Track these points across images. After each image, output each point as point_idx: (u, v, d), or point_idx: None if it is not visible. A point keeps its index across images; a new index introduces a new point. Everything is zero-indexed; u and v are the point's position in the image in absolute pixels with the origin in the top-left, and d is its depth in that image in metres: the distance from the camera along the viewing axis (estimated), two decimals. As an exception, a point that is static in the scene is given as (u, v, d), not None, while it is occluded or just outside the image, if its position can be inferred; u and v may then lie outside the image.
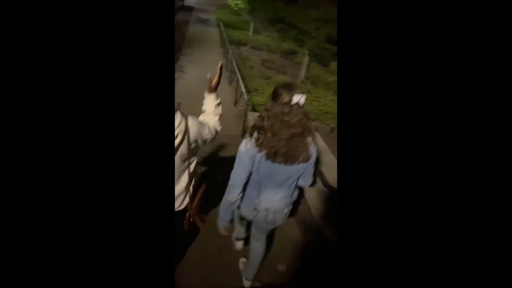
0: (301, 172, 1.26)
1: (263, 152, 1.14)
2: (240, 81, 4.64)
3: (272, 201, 1.29)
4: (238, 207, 1.35)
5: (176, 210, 1.26)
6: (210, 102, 1.31)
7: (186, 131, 1.12)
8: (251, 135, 1.18)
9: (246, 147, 1.17)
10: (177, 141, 1.09)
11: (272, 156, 1.14)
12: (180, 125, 1.09)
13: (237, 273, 1.69)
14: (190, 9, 13.41)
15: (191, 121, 1.15)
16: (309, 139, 1.18)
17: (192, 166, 1.25)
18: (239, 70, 5.13)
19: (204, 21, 11.60)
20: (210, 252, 1.74)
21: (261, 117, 1.16)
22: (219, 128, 1.32)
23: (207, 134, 1.24)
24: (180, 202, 1.27)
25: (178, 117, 1.08)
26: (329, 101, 5.33)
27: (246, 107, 3.85)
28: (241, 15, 12.31)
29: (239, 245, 1.79)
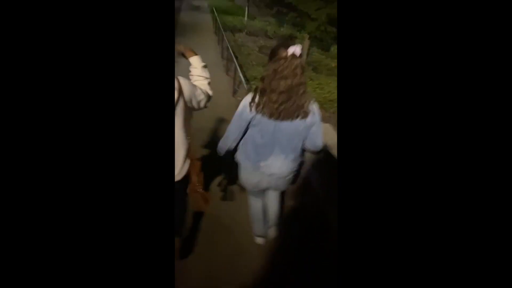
0: (305, 133, 1.23)
1: (263, 112, 1.15)
2: (238, 70, 4.33)
3: (278, 166, 1.28)
4: (243, 181, 1.40)
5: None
6: (195, 65, 1.26)
7: (180, 90, 1.08)
8: (253, 99, 1.18)
9: (244, 107, 1.19)
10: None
11: (271, 112, 1.14)
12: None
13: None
14: (181, -5, 12.79)
15: (182, 80, 1.11)
16: (307, 93, 1.17)
17: (188, 132, 1.20)
18: (236, 58, 4.78)
19: (195, 8, 11.07)
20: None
21: (261, 79, 1.17)
22: (210, 92, 1.26)
23: (200, 95, 1.19)
24: (179, 170, 1.20)
25: None
26: (333, 88, 5.03)
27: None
28: (234, 0, 11.74)
29: (259, 240, 1.72)
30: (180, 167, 1.18)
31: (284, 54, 1.11)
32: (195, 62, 1.27)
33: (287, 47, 1.12)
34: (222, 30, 6.63)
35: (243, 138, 1.28)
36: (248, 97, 1.20)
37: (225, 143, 1.31)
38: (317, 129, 1.23)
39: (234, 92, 4.68)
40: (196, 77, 1.26)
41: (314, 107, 1.20)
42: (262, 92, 1.16)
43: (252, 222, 1.65)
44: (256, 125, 1.20)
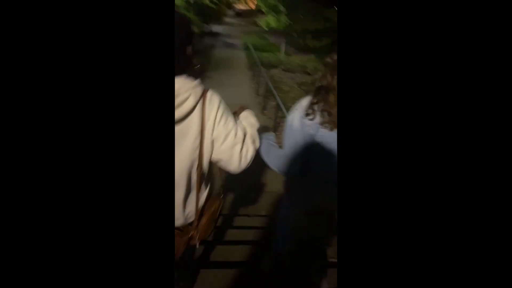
0: None
1: (322, 122, 0.94)
2: (280, 103, 3.53)
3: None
4: None
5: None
6: (245, 115, 0.97)
7: (203, 102, 0.76)
8: (314, 103, 0.95)
9: (300, 119, 0.97)
10: (182, 110, 0.71)
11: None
12: (195, 89, 0.74)
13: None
14: (215, 34, 12.97)
15: (212, 95, 0.79)
16: None
17: (205, 163, 0.82)
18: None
19: (230, 45, 10.91)
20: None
21: (322, 75, 0.96)
22: (250, 156, 0.83)
23: (235, 137, 0.79)
24: (182, 215, 0.88)
25: (191, 81, 0.76)
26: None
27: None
28: (269, 39, 11.47)
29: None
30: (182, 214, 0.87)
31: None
32: (245, 114, 0.97)
33: None
34: (259, 63, 5.95)
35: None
36: (297, 112, 0.99)
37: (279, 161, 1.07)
38: None
39: (275, 128, 3.73)
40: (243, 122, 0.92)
41: None
42: (320, 93, 0.95)
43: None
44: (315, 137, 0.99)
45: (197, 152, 0.77)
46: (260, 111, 4.67)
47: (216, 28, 14.42)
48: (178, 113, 0.71)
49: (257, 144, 0.88)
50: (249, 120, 0.93)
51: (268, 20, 8.61)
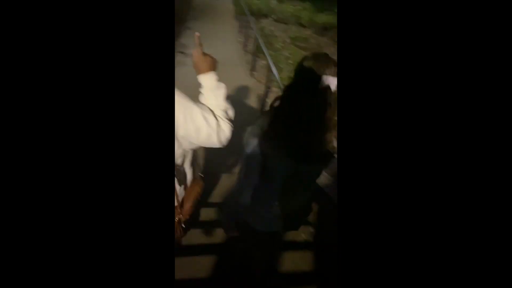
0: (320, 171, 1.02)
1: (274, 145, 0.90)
2: (271, 64, 3.01)
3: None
4: None
5: None
6: (206, 84, 0.84)
7: None
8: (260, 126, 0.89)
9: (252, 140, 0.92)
10: None
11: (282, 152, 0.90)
12: None
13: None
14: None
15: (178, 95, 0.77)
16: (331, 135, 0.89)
17: (188, 156, 0.92)
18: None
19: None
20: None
21: (277, 99, 0.89)
22: (227, 132, 0.81)
23: (204, 127, 0.78)
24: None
25: None
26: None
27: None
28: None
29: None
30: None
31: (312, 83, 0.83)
32: (205, 81, 0.84)
33: (321, 68, 0.80)
34: (247, 11, 5.12)
35: None
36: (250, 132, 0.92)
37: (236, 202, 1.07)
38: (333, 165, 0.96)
39: (263, 101, 3.27)
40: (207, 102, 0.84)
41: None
42: (272, 119, 0.91)
43: None
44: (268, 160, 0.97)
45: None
46: (249, 71, 4.09)
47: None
48: None
49: (230, 114, 0.85)
50: (213, 93, 0.83)
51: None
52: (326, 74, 0.79)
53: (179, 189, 0.93)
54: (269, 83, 3.44)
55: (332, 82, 0.79)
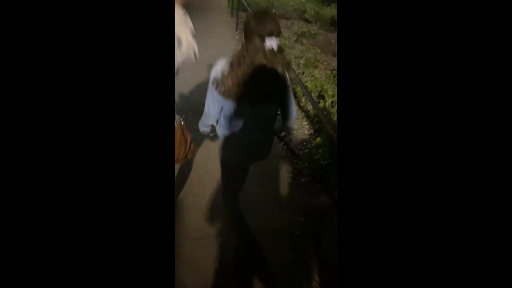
0: (277, 110, 1.23)
1: (226, 96, 1.11)
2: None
3: (254, 137, 1.23)
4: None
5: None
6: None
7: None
8: (215, 80, 1.11)
9: (211, 90, 1.14)
10: None
11: (234, 96, 1.10)
12: None
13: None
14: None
15: None
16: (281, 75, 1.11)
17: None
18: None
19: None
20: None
21: (230, 62, 1.09)
22: (196, 49, 1.03)
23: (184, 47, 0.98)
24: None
25: None
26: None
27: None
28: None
29: None
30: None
31: (258, 42, 1.04)
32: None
33: (263, 29, 1.03)
34: (247, 6, 4.34)
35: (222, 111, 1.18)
36: (213, 73, 1.12)
37: (203, 121, 1.28)
38: (287, 102, 1.21)
39: None
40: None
41: (285, 84, 1.15)
42: (225, 75, 1.08)
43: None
44: (225, 103, 1.14)
45: None
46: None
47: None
48: None
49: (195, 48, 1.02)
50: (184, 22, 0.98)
51: None
52: (268, 35, 1.03)
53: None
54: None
55: (274, 43, 1.05)
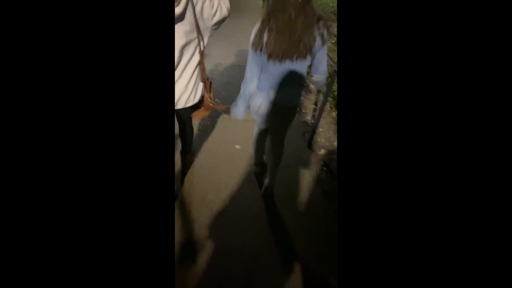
0: (308, 64, 1.24)
1: (264, 52, 1.19)
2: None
3: (288, 96, 1.31)
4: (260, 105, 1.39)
5: (189, 105, 1.31)
6: None
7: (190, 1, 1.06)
8: (254, 40, 1.19)
9: (251, 50, 1.22)
10: (178, 10, 1.02)
11: (271, 52, 1.16)
12: None
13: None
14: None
15: None
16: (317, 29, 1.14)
17: (199, 53, 1.22)
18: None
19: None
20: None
21: (264, 19, 1.16)
22: (229, 6, 1.24)
23: (217, 10, 1.18)
24: (189, 95, 1.27)
25: None
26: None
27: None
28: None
29: (255, 169, 1.90)
30: (195, 89, 1.26)
31: None
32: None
33: None
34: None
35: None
36: (251, 36, 1.20)
37: (244, 88, 1.35)
38: (321, 57, 1.21)
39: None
40: None
41: (323, 32, 1.15)
42: (259, 33, 1.16)
43: (253, 153, 1.81)
44: (263, 61, 1.22)
45: (195, 42, 1.16)
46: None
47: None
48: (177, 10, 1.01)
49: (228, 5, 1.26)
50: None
51: None
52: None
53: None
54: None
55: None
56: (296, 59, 1.15)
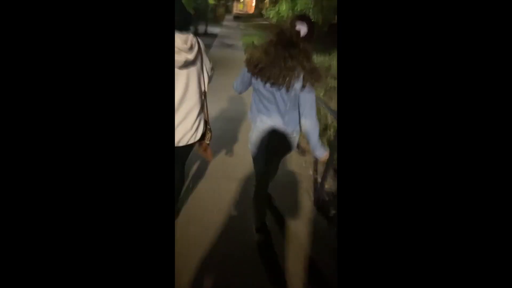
0: (295, 100, 1.25)
1: (257, 76, 1.24)
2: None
3: (277, 124, 1.31)
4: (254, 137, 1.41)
5: (188, 143, 1.36)
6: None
7: (199, 48, 1.23)
8: (247, 60, 1.27)
9: (243, 70, 1.33)
10: (191, 56, 1.17)
11: (263, 77, 1.22)
12: (192, 41, 1.18)
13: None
14: (213, 36, 11.36)
15: (200, 40, 1.25)
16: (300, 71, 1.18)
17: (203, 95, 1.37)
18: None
19: (229, 46, 9.25)
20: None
21: (261, 44, 1.24)
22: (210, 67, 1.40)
23: (208, 61, 1.35)
24: (193, 134, 1.35)
25: (189, 36, 1.17)
26: None
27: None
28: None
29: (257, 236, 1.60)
30: (196, 127, 1.35)
31: (289, 22, 1.21)
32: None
33: (294, 20, 1.22)
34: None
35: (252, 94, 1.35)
36: (247, 54, 1.28)
37: (235, 85, 1.44)
38: (307, 99, 1.22)
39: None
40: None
41: (301, 80, 1.18)
42: (255, 54, 1.22)
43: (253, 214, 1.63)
44: (255, 84, 1.29)
45: (199, 85, 1.32)
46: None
47: (214, 29, 12.88)
48: (190, 56, 1.18)
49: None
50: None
51: (274, 10, 6.75)
52: (298, 20, 1.23)
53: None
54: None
55: (303, 28, 1.20)
56: (277, 85, 1.19)
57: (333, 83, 4.82)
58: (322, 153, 1.31)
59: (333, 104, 3.74)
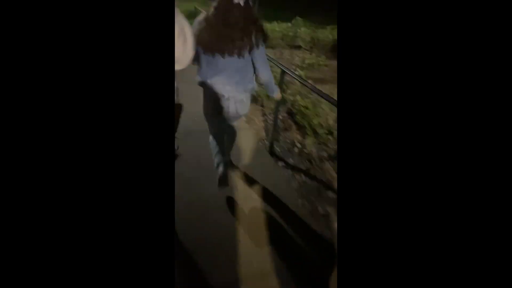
0: (249, 63, 1.34)
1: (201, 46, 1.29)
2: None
3: (230, 91, 1.38)
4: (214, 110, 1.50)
5: None
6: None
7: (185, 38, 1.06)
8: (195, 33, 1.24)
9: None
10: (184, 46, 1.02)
11: (209, 50, 1.29)
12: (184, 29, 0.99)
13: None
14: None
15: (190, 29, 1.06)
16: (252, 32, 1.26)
17: None
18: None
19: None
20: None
21: (205, 18, 1.28)
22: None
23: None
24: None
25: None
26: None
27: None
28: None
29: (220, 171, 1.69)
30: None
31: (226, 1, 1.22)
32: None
33: None
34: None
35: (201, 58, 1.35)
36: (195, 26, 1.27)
37: (200, 78, 1.42)
38: (259, 57, 1.33)
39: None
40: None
41: (257, 41, 1.28)
42: (201, 29, 1.27)
43: (212, 154, 1.70)
44: (203, 55, 1.33)
45: None
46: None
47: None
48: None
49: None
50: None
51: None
52: None
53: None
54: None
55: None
56: (229, 56, 1.28)
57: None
58: (278, 93, 1.55)
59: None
